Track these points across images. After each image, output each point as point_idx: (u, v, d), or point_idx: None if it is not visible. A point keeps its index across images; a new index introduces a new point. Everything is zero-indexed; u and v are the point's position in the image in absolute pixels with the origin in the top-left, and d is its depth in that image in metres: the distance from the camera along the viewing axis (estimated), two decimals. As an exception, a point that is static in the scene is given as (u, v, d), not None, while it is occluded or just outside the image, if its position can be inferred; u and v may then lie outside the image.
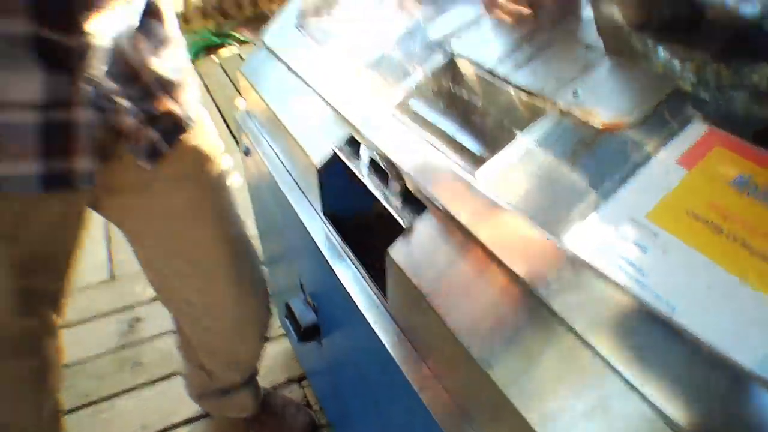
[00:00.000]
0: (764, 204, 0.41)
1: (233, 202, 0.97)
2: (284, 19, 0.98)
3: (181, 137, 0.82)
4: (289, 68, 0.89)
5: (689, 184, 0.44)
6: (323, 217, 0.77)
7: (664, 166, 0.45)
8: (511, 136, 0.54)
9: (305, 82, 0.83)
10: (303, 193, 0.85)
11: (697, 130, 0.46)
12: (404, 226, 0.57)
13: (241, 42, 4.41)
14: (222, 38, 4.38)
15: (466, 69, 0.65)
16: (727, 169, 0.44)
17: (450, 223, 0.51)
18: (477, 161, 0.54)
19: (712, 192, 0.43)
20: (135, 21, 0.74)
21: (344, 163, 0.70)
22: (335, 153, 0.71)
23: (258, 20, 4.81)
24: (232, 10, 4.47)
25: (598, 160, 0.47)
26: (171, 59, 0.80)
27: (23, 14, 0.62)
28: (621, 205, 0.44)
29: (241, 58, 3.99)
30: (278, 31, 0.97)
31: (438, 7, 0.80)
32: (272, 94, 0.92)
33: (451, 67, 0.67)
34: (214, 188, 0.91)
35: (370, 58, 0.76)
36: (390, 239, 0.58)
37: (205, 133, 0.89)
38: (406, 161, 0.58)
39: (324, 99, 0.76)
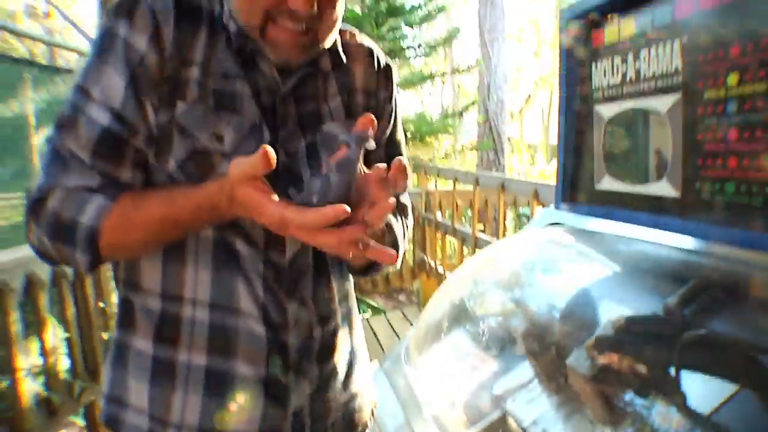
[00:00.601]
0: None
1: None
2: (397, 351, 1.34)
3: None
4: (394, 390, 1.21)
5: None
6: None
7: None
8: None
9: (402, 407, 1.13)
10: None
11: None
12: None
13: (374, 309, 4.89)
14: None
15: (512, 426, 0.91)
16: None
17: None
18: None
19: None
20: (340, 374, 0.93)
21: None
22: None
23: (395, 291, 5.41)
24: (367, 286, 5.13)
25: None
26: (354, 388, 0.96)
27: (262, 362, 0.83)
28: None
29: (368, 323, 4.42)
30: (392, 359, 1.32)
31: (505, 364, 1.09)
32: (380, 408, 1.22)
33: (502, 422, 0.93)
34: None
35: (450, 399, 1.05)
36: None
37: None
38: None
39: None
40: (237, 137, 0.82)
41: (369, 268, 1.00)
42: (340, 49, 0.94)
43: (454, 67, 5.66)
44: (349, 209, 0.63)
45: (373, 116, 0.70)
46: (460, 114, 5.86)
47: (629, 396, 0.72)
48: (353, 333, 1.01)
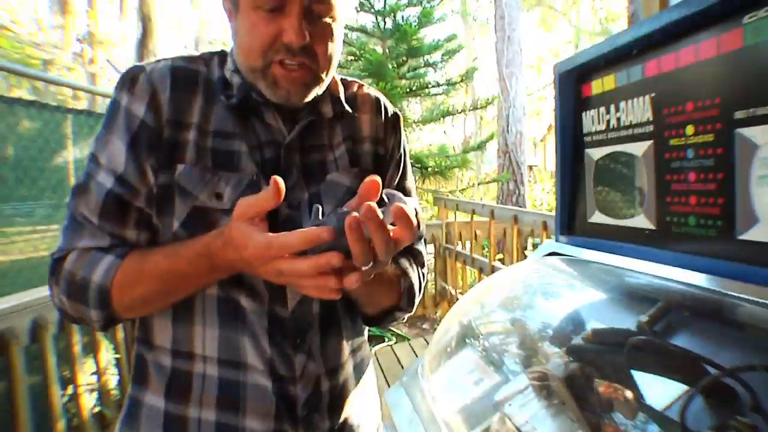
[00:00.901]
0: None
1: None
2: (414, 366, 1.50)
3: None
4: (411, 400, 1.37)
5: None
6: None
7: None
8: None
9: (418, 413, 1.30)
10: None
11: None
12: None
13: (399, 337, 5.00)
14: (382, 331, 4.97)
15: (509, 426, 1.07)
16: None
17: None
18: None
19: None
20: (354, 426, 0.97)
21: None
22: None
23: (418, 320, 5.54)
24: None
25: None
26: None
27: (270, 416, 0.85)
28: None
29: (392, 350, 4.54)
30: (410, 374, 1.48)
31: (504, 375, 1.25)
32: (399, 416, 1.38)
33: (501, 423, 1.09)
34: None
35: (458, 406, 1.21)
36: None
37: None
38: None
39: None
40: (235, 194, 0.83)
41: (382, 317, 1.01)
42: (342, 98, 0.96)
43: (474, 101, 5.88)
44: (331, 230, 0.61)
45: (378, 178, 0.68)
46: (480, 146, 6.05)
47: (595, 395, 0.88)
48: (365, 384, 1.03)
